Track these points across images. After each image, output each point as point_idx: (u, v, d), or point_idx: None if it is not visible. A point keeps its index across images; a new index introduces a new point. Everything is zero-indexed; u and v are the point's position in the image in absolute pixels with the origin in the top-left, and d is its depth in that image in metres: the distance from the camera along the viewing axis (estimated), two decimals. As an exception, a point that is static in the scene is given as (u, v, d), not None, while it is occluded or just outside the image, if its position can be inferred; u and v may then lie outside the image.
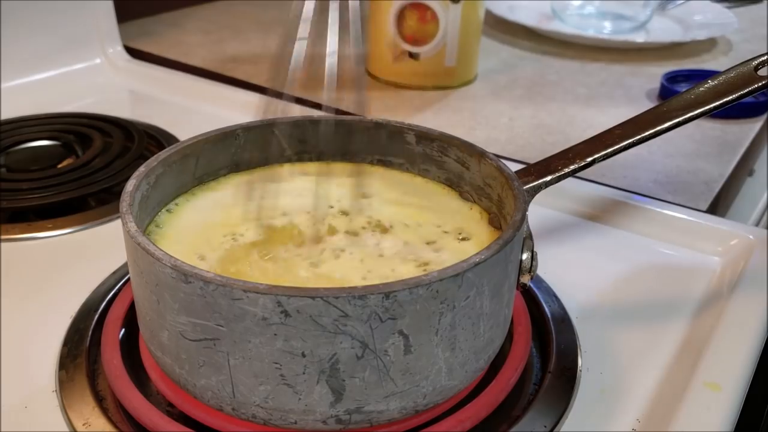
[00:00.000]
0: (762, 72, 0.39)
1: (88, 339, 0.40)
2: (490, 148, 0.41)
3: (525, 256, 0.36)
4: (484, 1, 0.79)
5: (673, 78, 0.80)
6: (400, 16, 0.76)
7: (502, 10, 1.00)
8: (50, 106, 0.71)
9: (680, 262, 0.51)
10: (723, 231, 0.52)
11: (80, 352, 0.40)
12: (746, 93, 0.38)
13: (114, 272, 0.46)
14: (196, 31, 0.97)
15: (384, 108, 0.75)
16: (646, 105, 0.77)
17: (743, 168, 0.70)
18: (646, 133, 0.39)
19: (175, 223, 0.39)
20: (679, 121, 0.39)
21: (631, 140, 0.39)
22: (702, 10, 1.05)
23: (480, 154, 0.40)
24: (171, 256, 0.30)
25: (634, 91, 0.81)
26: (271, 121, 0.43)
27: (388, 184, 0.42)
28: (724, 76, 0.39)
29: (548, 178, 0.38)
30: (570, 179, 0.39)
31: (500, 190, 0.38)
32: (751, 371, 0.40)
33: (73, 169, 0.58)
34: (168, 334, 0.32)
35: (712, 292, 0.47)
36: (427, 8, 0.75)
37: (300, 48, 0.35)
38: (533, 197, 0.38)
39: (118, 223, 0.47)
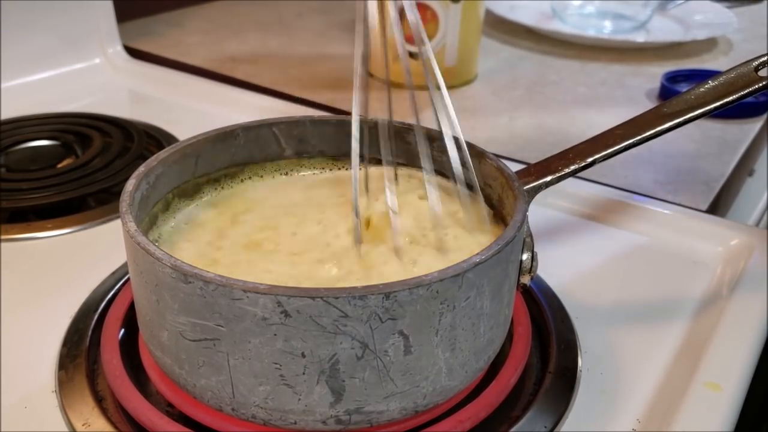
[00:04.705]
0: (762, 73, 0.39)
1: (88, 339, 0.40)
2: (490, 148, 0.41)
3: (525, 256, 0.36)
4: (484, 1, 0.79)
5: (673, 78, 0.80)
6: (401, 16, 0.76)
7: (502, 9, 1.00)
8: (50, 106, 0.71)
9: (680, 262, 0.51)
10: (723, 231, 0.52)
11: (80, 352, 0.40)
12: (746, 94, 0.38)
13: (114, 272, 0.46)
14: (196, 31, 0.97)
15: (384, 108, 0.74)
16: (646, 105, 0.77)
17: (743, 168, 0.70)
18: (647, 134, 0.39)
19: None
20: (679, 122, 0.39)
21: (631, 140, 0.39)
22: (702, 10, 1.05)
23: (480, 154, 0.40)
24: (171, 256, 0.30)
25: (634, 91, 0.81)
26: (271, 121, 0.43)
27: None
28: (724, 77, 0.39)
29: (548, 178, 0.38)
30: (570, 179, 0.39)
31: (500, 190, 0.38)
32: (751, 371, 0.40)
33: (72, 169, 0.58)
34: (168, 334, 0.32)
35: (712, 292, 0.47)
36: (427, 8, 0.75)
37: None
38: (533, 197, 0.38)
39: (117, 223, 0.47)
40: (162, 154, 0.38)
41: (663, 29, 1.01)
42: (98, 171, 0.58)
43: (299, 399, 0.30)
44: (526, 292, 0.44)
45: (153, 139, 0.65)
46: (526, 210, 0.35)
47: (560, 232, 0.54)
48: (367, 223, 0.38)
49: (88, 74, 0.81)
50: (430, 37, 0.76)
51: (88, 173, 0.57)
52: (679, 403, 0.37)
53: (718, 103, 0.38)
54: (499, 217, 0.39)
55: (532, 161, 0.40)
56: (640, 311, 0.46)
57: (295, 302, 0.28)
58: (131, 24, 0.96)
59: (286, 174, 0.44)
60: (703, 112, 0.38)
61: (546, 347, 0.41)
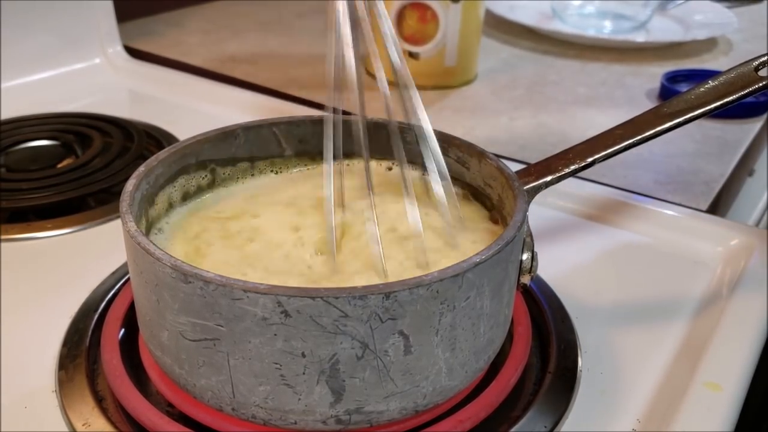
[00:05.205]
0: (762, 72, 0.39)
1: (88, 339, 0.40)
2: (490, 148, 0.41)
3: (525, 256, 0.36)
4: (484, 1, 0.79)
5: (673, 78, 0.80)
6: (400, 16, 0.76)
7: (502, 9, 1.00)
8: (50, 106, 0.71)
9: (680, 262, 0.51)
10: (723, 231, 0.52)
11: (80, 352, 0.40)
12: (746, 93, 0.38)
13: (114, 272, 0.46)
14: (196, 31, 0.97)
15: (384, 108, 0.75)
16: (646, 105, 0.77)
17: (743, 168, 0.70)
18: (647, 134, 0.39)
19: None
20: (679, 122, 0.39)
21: (631, 140, 0.39)
22: (702, 10, 1.05)
23: (480, 154, 0.40)
24: (171, 256, 0.30)
25: (634, 91, 0.81)
26: (271, 121, 0.43)
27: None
28: (724, 77, 0.39)
29: (548, 178, 0.38)
30: (570, 179, 0.39)
31: (500, 190, 0.38)
32: (751, 371, 0.40)
33: (72, 169, 0.58)
34: (168, 334, 0.32)
35: (712, 292, 0.47)
36: (427, 8, 0.75)
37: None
38: (533, 197, 0.38)
39: (117, 223, 0.47)
40: (162, 154, 0.38)
41: (663, 29, 1.01)
42: (98, 171, 0.58)
43: (299, 399, 0.30)
44: (526, 292, 0.44)
45: (153, 139, 0.65)
46: (526, 210, 0.35)
47: (560, 232, 0.54)
48: (342, 232, 0.38)
49: (88, 74, 0.81)
50: (430, 37, 0.77)
51: (88, 173, 0.57)
52: (679, 403, 0.37)
53: (718, 103, 0.38)
54: (499, 216, 0.39)
55: (532, 161, 0.40)
56: (640, 311, 0.46)
57: (295, 302, 0.28)
58: (131, 24, 0.96)
59: (276, 173, 0.44)
60: (703, 112, 0.38)
61: (546, 347, 0.41)
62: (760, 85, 0.38)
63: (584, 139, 0.40)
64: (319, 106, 0.74)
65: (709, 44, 0.98)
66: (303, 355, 0.29)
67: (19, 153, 0.62)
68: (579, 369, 0.40)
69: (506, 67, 0.88)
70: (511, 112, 0.75)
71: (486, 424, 0.36)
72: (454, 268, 0.30)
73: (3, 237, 0.50)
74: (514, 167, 0.39)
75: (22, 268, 0.48)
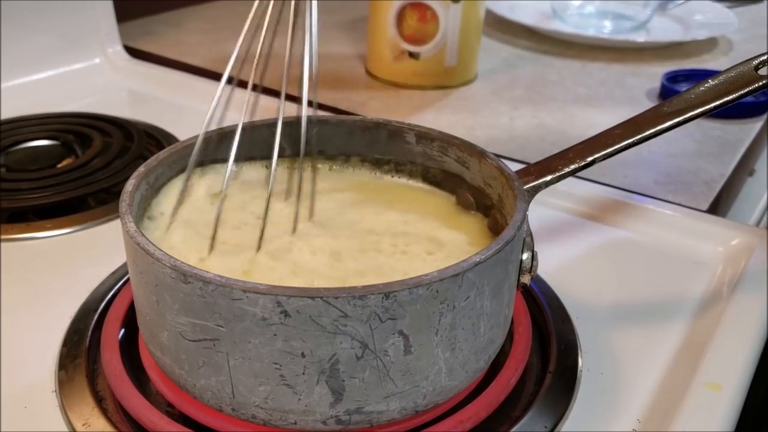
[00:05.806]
0: (762, 71, 0.39)
1: (88, 339, 0.40)
2: (490, 148, 0.41)
3: (525, 256, 0.36)
4: (484, 1, 0.79)
5: (673, 78, 0.80)
6: (400, 16, 0.76)
7: (502, 9, 1.00)
8: (50, 105, 0.71)
9: (680, 262, 0.51)
10: (723, 231, 0.52)
11: (80, 352, 0.40)
12: (747, 93, 0.38)
13: (114, 272, 0.46)
14: (196, 31, 0.97)
15: (384, 108, 0.75)
16: (646, 105, 0.77)
17: (744, 168, 0.70)
18: (647, 133, 0.39)
19: None
20: (679, 121, 0.38)
21: (631, 140, 0.38)
22: (702, 10, 1.05)
23: (480, 153, 0.40)
24: (171, 256, 0.30)
25: (634, 91, 0.81)
26: (271, 121, 0.43)
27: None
28: (724, 76, 0.39)
29: (548, 177, 0.38)
30: (570, 179, 0.39)
31: (500, 189, 0.38)
32: (751, 371, 0.40)
33: (72, 169, 0.58)
34: (168, 335, 0.32)
35: (712, 292, 0.47)
36: (427, 8, 0.75)
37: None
38: (533, 197, 0.38)
39: (117, 223, 0.47)
40: (162, 154, 0.39)
41: (663, 29, 1.01)
42: (98, 171, 0.58)
43: (299, 399, 0.30)
44: (526, 292, 0.44)
45: (153, 139, 0.65)
46: (526, 209, 0.35)
47: (560, 232, 0.54)
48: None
49: (88, 74, 0.81)
50: (430, 37, 0.77)
51: (88, 173, 0.57)
52: (679, 403, 0.37)
53: (718, 102, 0.38)
54: (499, 215, 0.39)
55: (532, 161, 0.40)
56: (640, 311, 0.46)
57: (294, 302, 0.28)
58: (131, 24, 0.96)
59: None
60: (703, 111, 0.38)
61: (546, 347, 0.41)
62: (760, 84, 0.38)
63: (584, 138, 0.40)
64: (318, 106, 0.74)
65: (709, 44, 0.98)
66: (303, 355, 0.29)
67: (19, 153, 0.62)
68: (579, 369, 0.40)
69: (506, 67, 0.88)
70: (511, 112, 0.75)
71: (486, 424, 0.36)
72: (455, 267, 0.30)
73: (3, 237, 0.50)
74: (514, 167, 0.39)
75: (22, 268, 0.48)
